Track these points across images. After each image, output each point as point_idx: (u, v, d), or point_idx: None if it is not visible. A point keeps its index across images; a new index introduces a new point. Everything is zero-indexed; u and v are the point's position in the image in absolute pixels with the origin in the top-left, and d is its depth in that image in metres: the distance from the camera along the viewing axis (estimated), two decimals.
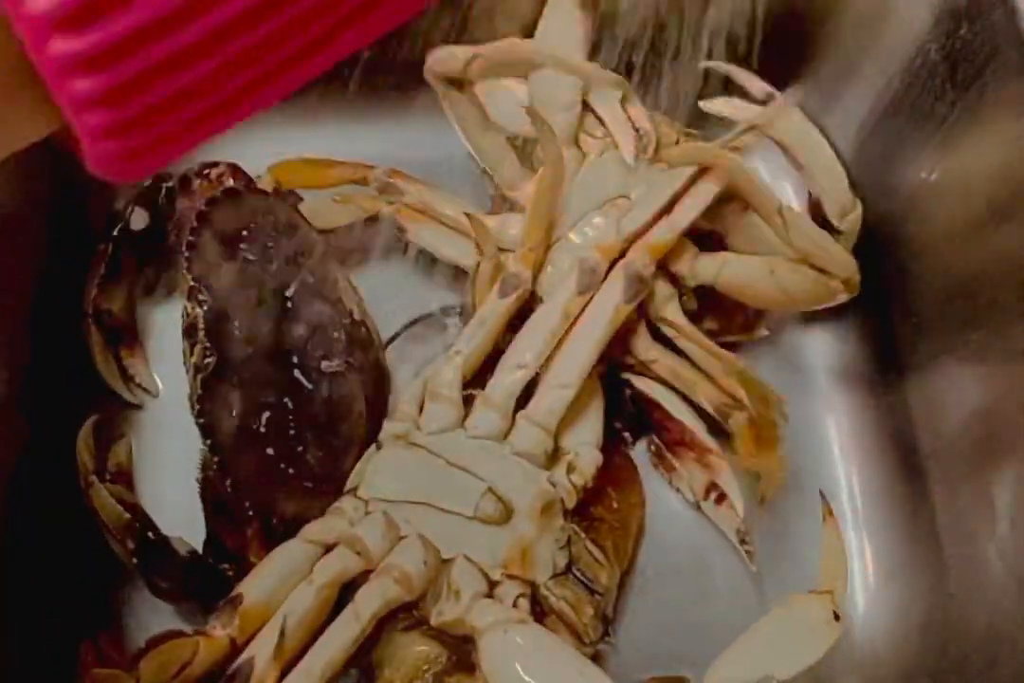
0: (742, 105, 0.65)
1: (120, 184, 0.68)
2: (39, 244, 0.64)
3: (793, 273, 0.59)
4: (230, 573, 0.57)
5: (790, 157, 0.64)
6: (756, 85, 0.64)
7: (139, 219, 0.66)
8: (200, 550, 0.59)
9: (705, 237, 0.64)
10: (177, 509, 0.61)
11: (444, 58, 0.61)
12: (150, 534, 0.58)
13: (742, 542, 0.62)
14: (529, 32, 0.69)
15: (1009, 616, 0.55)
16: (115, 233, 0.66)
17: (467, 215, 0.64)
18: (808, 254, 0.58)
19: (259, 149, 0.74)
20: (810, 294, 0.60)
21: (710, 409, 0.63)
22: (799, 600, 0.51)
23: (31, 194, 0.63)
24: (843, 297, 0.60)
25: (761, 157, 0.75)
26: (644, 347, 0.64)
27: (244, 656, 0.51)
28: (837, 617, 0.50)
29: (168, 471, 0.65)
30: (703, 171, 0.60)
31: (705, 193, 0.60)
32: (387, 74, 0.67)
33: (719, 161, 0.59)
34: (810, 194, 0.65)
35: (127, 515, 0.59)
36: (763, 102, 0.63)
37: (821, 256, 0.58)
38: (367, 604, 0.52)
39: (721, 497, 0.63)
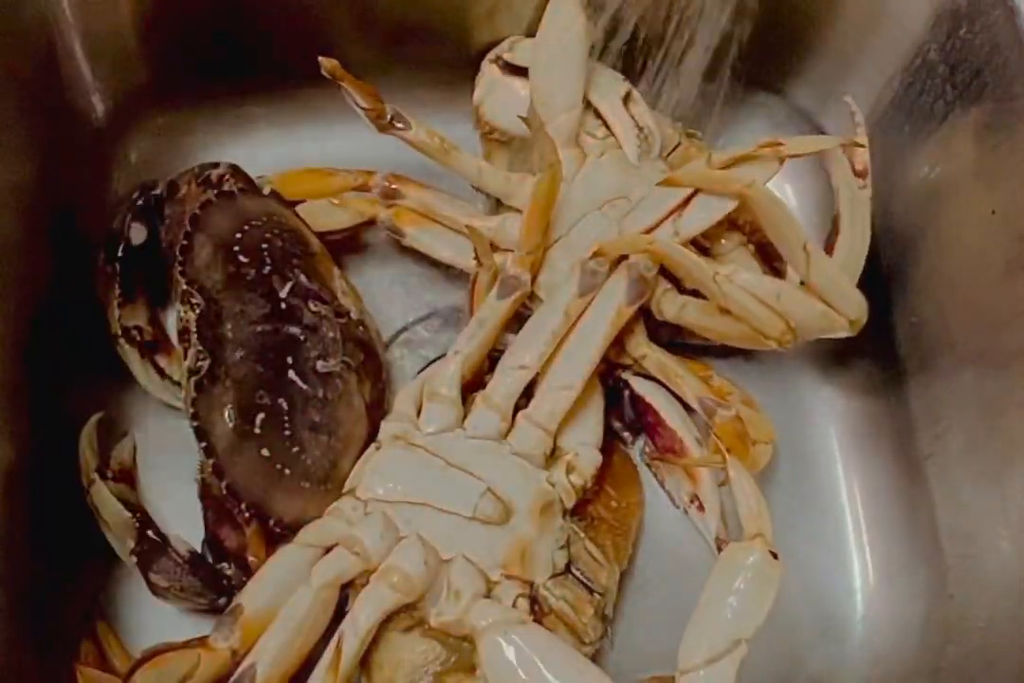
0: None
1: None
2: (37, 246, 0.64)
3: (800, 302, 0.58)
4: (229, 572, 0.57)
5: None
6: (861, 156, 0.65)
7: (138, 233, 0.66)
8: (200, 550, 0.59)
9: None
10: (177, 509, 0.62)
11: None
12: (150, 533, 0.58)
13: (719, 550, 0.62)
14: (530, 32, 0.69)
15: (1009, 616, 0.55)
16: (119, 253, 0.66)
17: (468, 227, 0.64)
18: (823, 292, 0.58)
19: (259, 150, 0.75)
20: (811, 324, 0.59)
21: (695, 404, 0.63)
22: (733, 552, 0.50)
23: (27, 198, 0.63)
24: (843, 334, 0.59)
25: None
26: (635, 343, 0.64)
27: (245, 663, 0.51)
28: (775, 556, 0.49)
29: (169, 471, 0.65)
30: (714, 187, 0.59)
31: (720, 206, 0.59)
32: (386, 75, 0.67)
33: (746, 192, 0.57)
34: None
35: (128, 514, 0.59)
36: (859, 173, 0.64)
37: (835, 295, 0.58)
38: (364, 616, 0.52)
39: (704, 505, 0.63)
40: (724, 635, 0.47)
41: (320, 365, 0.60)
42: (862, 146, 0.64)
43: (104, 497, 0.60)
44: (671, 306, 0.63)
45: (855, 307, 0.59)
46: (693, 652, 0.48)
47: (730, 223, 0.66)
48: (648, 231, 0.61)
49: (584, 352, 0.59)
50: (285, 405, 0.58)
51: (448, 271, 0.70)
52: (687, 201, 0.60)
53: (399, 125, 0.65)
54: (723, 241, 0.66)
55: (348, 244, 0.72)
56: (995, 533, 0.57)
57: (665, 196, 0.61)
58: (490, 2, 0.70)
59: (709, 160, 0.59)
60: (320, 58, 0.62)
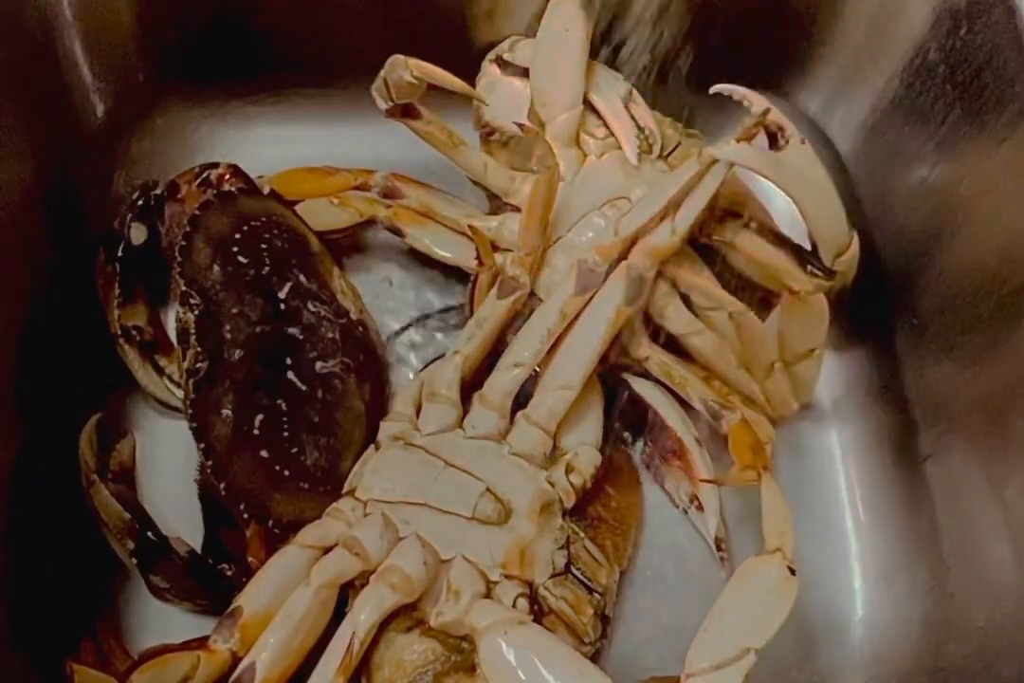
0: (756, 96, 0.63)
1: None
2: (37, 246, 0.64)
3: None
4: (229, 573, 0.57)
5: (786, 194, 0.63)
6: (771, 118, 0.63)
7: (138, 234, 0.66)
8: (199, 550, 0.59)
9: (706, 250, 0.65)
10: (177, 509, 0.62)
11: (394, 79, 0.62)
12: (150, 534, 0.58)
13: (718, 548, 0.63)
14: (530, 32, 0.69)
15: (1009, 616, 0.55)
16: (120, 253, 0.66)
17: (471, 228, 0.64)
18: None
19: (259, 150, 0.75)
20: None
21: (700, 407, 0.63)
22: (752, 565, 0.51)
23: (28, 198, 0.63)
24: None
25: None
26: (636, 345, 0.64)
27: (245, 662, 0.51)
28: (792, 572, 0.50)
29: (169, 471, 0.65)
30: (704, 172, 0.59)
31: (703, 194, 0.59)
32: None
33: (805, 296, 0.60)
34: None
35: (127, 515, 0.59)
36: (775, 135, 0.61)
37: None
38: (364, 617, 0.51)
39: (703, 505, 0.63)
40: (734, 643, 0.48)
41: (319, 366, 0.60)
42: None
43: (104, 498, 0.60)
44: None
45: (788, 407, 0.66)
46: (701, 656, 0.48)
47: (725, 213, 0.65)
48: (643, 233, 0.60)
49: (583, 352, 0.59)
50: (284, 406, 0.58)
51: (448, 271, 0.70)
52: (682, 199, 0.60)
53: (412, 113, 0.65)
54: (726, 228, 0.65)
55: (348, 244, 0.72)
56: (995, 533, 0.57)
57: (659, 194, 0.60)
58: (490, 2, 0.70)
59: (700, 156, 0.59)
60: (394, 56, 0.62)
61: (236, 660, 0.52)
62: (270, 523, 0.56)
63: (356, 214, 0.69)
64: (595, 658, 0.56)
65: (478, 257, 0.64)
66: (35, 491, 0.60)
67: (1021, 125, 0.55)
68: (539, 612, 0.55)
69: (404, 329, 0.70)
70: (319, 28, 0.71)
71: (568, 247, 0.64)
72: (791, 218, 0.63)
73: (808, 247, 0.62)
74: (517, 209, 0.66)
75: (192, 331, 0.58)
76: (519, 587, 0.54)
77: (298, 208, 0.68)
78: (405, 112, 0.64)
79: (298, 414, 0.58)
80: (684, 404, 0.65)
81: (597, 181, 0.66)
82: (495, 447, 0.58)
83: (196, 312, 0.58)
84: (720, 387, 0.65)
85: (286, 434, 0.57)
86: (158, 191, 0.67)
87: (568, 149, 0.65)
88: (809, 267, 0.62)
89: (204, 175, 0.66)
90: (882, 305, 0.68)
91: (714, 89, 0.63)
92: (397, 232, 0.68)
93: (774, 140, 0.60)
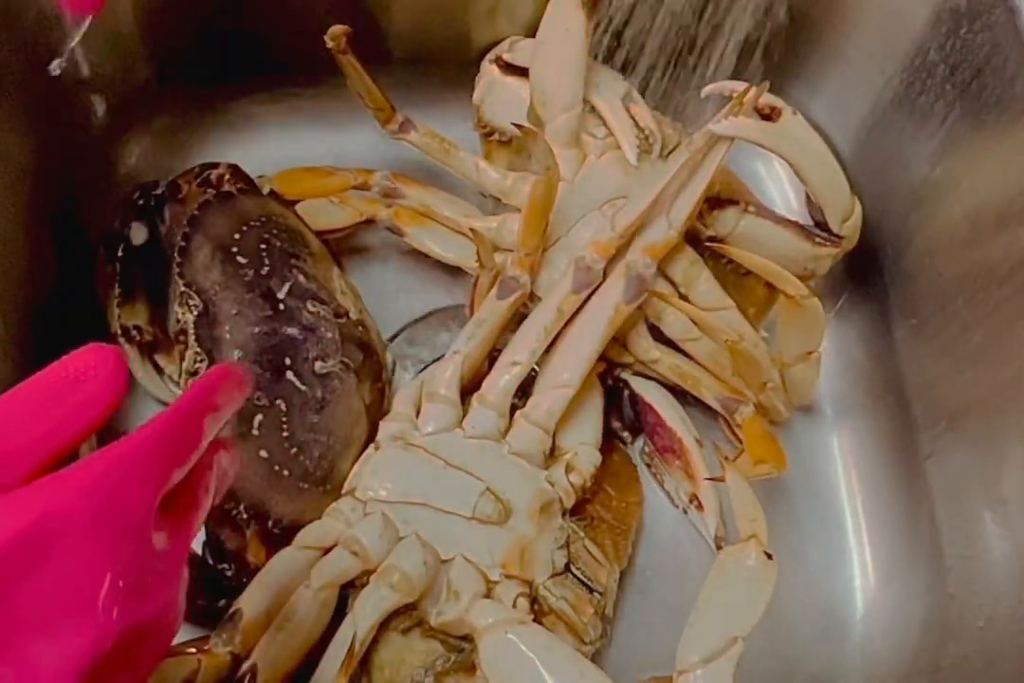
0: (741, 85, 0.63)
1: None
2: (37, 245, 0.64)
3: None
4: (229, 573, 0.57)
5: (788, 165, 0.63)
6: (760, 100, 0.63)
7: (138, 233, 0.66)
8: (200, 550, 0.59)
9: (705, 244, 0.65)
10: None
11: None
12: None
13: (718, 548, 0.62)
14: (530, 32, 0.69)
15: (1009, 616, 0.55)
16: (120, 253, 0.65)
17: (472, 230, 0.64)
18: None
19: (259, 150, 0.75)
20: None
21: (715, 405, 0.64)
22: (728, 554, 0.51)
23: (27, 198, 0.63)
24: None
25: (762, 160, 0.76)
26: (645, 347, 0.64)
27: (247, 665, 0.51)
28: (769, 556, 0.50)
29: None
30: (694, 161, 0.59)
31: (703, 176, 0.59)
32: (386, 75, 0.67)
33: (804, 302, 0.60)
34: (808, 196, 0.64)
35: None
36: (767, 116, 0.61)
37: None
38: (364, 617, 0.51)
39: (703, 505, 0.63)
40: (720, 633, 0.48)
41: (318, 366, 0.60)
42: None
43: None
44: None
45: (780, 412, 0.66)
46: (690, 651, 0.48)
47: (724, 202, 0.65)
48: (639, 226, 0.60)
49: (582, 351, 0.60)
50: (283, 406, 0.58)
51: (448, 271, 0.70)
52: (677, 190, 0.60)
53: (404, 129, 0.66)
54: (727, 216, 0.65)
55: (348, 244, 0.72)
56: (995, 533, 0.57)
57: (647, 190, 0.60)
58: (490, 2, 0.71)
59: (691, 143, 0.59)
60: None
61: (237, 662, 0.52)
62: (270, 523, 0.56)
63: (356, 214, 0.69)
64: (595, 658, 0.56)
65: (479, 259, 0.64)
66: None
67: (1021, 125, 0.55)
68: (539, 612, 0.55)
69: (404, 329, 0.70)
70: (319, 28, 0.71)
71: (568, 247, 0.64)
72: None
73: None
74: (517, 209, 0.66)
75: (191, 331, 0.58)
76: (519, 587, 0.54)
77: (298, 208, 0.68)
78: (404, 129, 0.66)
79: (297, 414, 0.58)
80: (685, 403, 0.66)
81: (597, 181, 0.65)
82: (495, 447, 0.58)
83: (195, 312, 0.58)
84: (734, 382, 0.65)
85: (285, 434, 0.57)
86: (158, 191, 0.67)
87: (568, 149, 0.65)
88: (817, 239, 0.63)
89: (204, 175, 0.66)
90: (881, 305, 0.68)
91: (705, 92, 0.63)
92: (397, 232, 0.68)
93: (768, 118, 0.60)
